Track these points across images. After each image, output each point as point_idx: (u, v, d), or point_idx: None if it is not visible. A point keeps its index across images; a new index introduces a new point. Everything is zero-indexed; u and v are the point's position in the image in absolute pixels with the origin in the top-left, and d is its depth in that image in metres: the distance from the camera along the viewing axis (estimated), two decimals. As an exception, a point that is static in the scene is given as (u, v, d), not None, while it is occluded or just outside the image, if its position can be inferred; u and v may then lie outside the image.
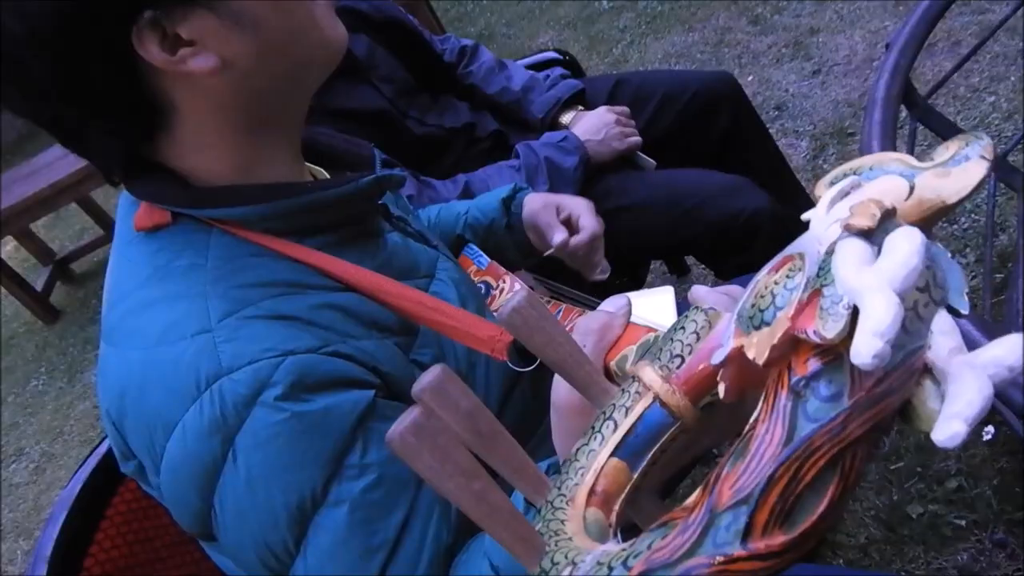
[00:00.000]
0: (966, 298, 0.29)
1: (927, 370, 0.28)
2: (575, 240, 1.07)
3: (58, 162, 3.48)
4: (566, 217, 1.09)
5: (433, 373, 0.34)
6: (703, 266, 1.86)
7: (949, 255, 0.29)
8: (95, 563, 0.86)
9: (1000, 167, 1.37)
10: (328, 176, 0.85)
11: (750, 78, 2.75)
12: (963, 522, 1.42)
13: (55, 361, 3.52)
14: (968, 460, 1.49)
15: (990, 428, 1.50)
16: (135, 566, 0.90)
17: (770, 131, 1.76)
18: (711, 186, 1.43)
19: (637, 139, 1.52)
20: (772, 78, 2.71)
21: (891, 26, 2.61)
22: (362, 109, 1.36)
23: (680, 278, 1.98)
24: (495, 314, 0.94)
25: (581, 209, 1.09)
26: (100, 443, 0.93)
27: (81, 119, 0.67)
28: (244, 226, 0.70)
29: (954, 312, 0.29)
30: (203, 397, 0.62)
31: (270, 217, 0.70)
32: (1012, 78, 2.18)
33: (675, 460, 0.46)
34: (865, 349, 0.25)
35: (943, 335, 0.27)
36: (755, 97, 2.57)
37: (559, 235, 1.06)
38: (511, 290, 1.02)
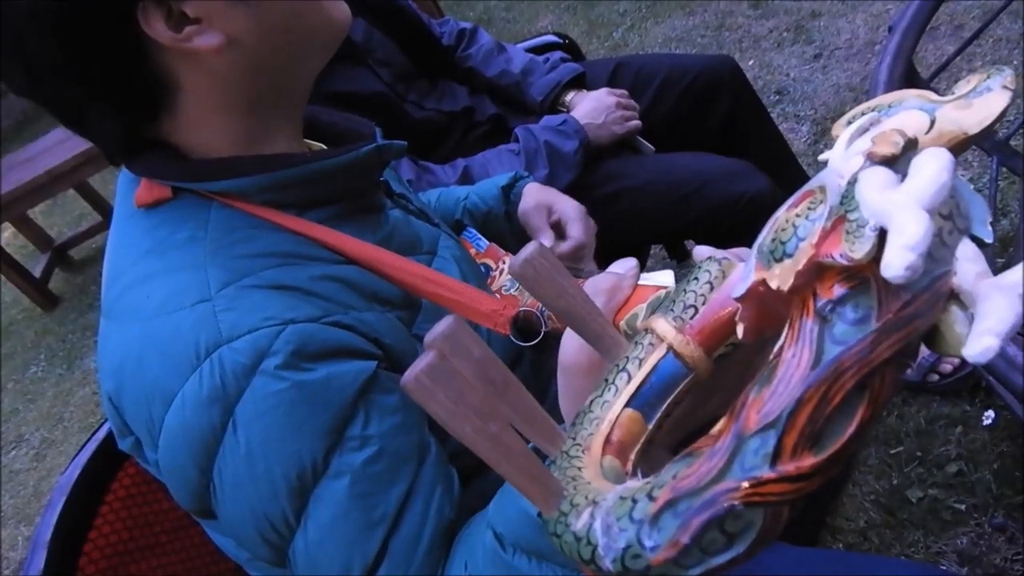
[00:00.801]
0: (989, 228, 0.28)
1: (953, 295, 0.27)
2: (560, 249, 1.06)
3: (56, 148, 3.48)
4: (556, 221, 1.09)
5: (445, 322, 0.33)
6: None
7: (971, 186, 0.28)
8: (94, 548, 0.86)
9: (1002, 151, 1.36)
10: None
11: (751, 62, 2.75)
12: (963, 506, 1.42)
13: (54, 348, 3.51)
14: (968, 445, 1.49)
15: (990, 413, 1.50)
16: (135, 551, 0.90)
17: (771, 116, 1.75)
18: (711, 170, 1.42)
19: (637, 123, 1.51)
20: (773, 62, 2.71)
21: (893, 9, 2.60)
22: (360, 93, 1.35)
23: (680, 263, 1.97)
24: (507, 268, 0.94)
25: (571, 215, 1.08)
26: (99, 428, 0.93)
27: (84, 98, 0.66)
28: (244, 198, 0.70)
29: (978, 242, 0.28)
30: (202, 366, 0.62)
31: (270, 188, 0.70)
32: (1015, 62, 2.18)
33: (686, 422, 0.45)
34: (898, 261, 0.24)
35: (968, 261, 0.27)
36: (756, 81, 2.57)
37: (544, 240, 1.06)
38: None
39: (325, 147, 0.85)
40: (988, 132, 0.30)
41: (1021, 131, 1.72)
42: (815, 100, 2.47)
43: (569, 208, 1.08)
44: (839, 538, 1.48)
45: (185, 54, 0.65)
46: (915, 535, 1.42)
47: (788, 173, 1.65)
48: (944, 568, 1.35)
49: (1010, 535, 1.36)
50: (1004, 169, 1.41)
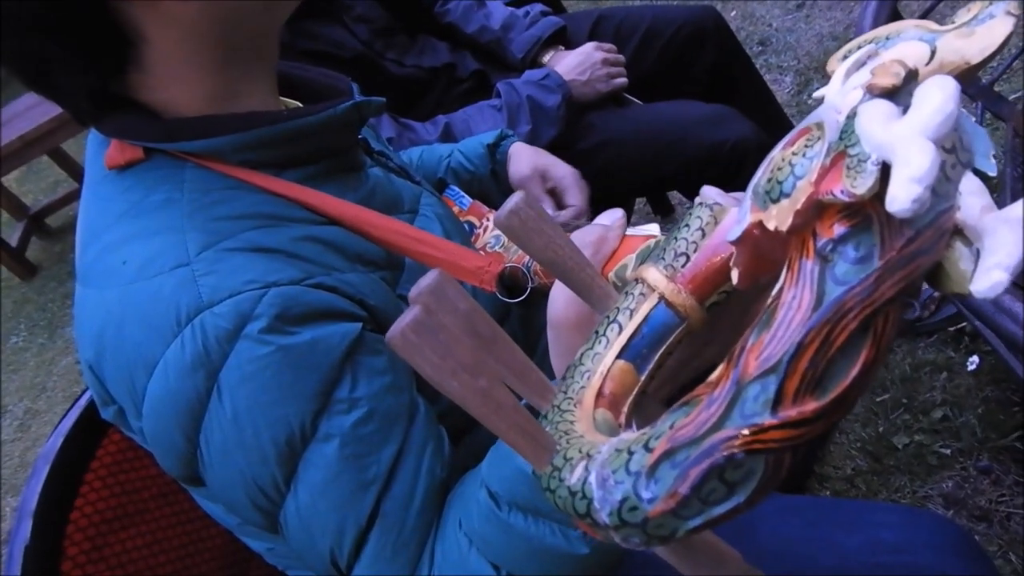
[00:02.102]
0: (993, 161, 0.27)
1: (958, 232, 0.26)
2: (559, 218, 1.05)
3: (28, 112, 3.41)
4: (551, 188, 1.07)
5: (431, 276, 0.32)
6: (688, 205, 1.84)
7: (973, 118, 0.27)
8: (81, 516, 0.85)
9: (987, 96, 1.36)
10: None
11: (733, 13, 2.72)
12: (948, 451, 1.44)
13: (35, 317, 3.49)
14: (953, 390, 1.50)
15: (974, 358, 1.52)
16: (123, 517, 0.89)
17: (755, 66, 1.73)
18: (694, 117, 1.41)
19: (623, 80, 1.49)
20: (755, 12, 2.68)
21: (876, -42, 2.57)
22: (335, 50, 1.33)
23: (664, 218, 1.97)
24: (492, 219, 0.93)
25: (568, 183, 1.07)
26: (81, 396, 0.92)
27: (48, 54, 0.64)
28: (219, 158, 0.68)
29: (981, 175, 0.27)
30: (184, 332, 0.60)
31: (245, 147, 0.68)
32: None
33: (679, 374, 0.45)
34: (904, 194, 0.23)
35: (972, 195, 0.26)
36: (739, 32, 2.54)
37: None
38: (495, 228, 1.01)
39: (301, 105, 0.83)
40: (989, 61, 0.29)
41: (1006, 75, 1.71)
42: (798, 50, 2.45)
43: (566, 175, 1.07)
44: (826, 486, 1.49)
45: (148, 4, 0.63)
46: (901, 480, 1.44)
47: (774, 123, 1.64)
48: (931, 510, 1.36)
49: (995, 477, 1.38)
50: (989, 115, 1.40)
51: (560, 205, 1.07)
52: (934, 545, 0.76)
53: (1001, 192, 1.25)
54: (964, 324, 1.55)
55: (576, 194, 1.06)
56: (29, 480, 0.84)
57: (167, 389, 0.62)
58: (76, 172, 3.86)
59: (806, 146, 0.28)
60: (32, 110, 3.39)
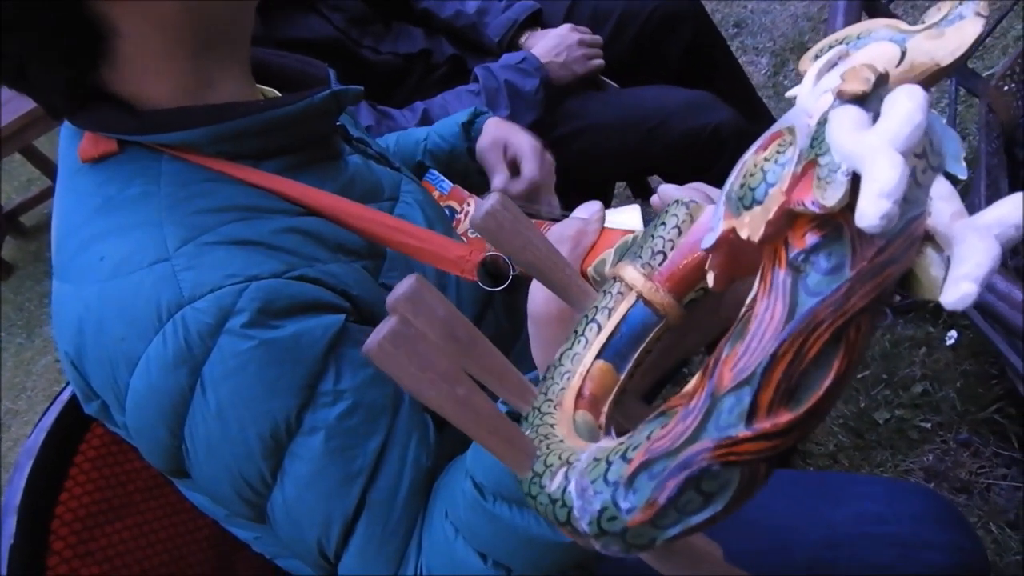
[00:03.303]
0: (963, 164, 0.28)
1: (928, 237, 0.27)
2: (512, 187, 1.04)
3: (-3, 110, 3.34)
4: (511, 157, 1.06)
5: (407, 283, 0.32)
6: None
7: (944, 120, 0.27)
8: (66, 510, 0.85)
9: (960, 72, 1.36)
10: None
11: (708, -6, 2.71)
12: (928, 425, 1.45)
13: (12, 317, 3.45)
14: (932, 365, 1.52)
15: (953, 333, 1.53)
16: (108, 511, 0.89)
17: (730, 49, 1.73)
18: (674, 103, 1.41)
19: (600, 62, 1.49)
20: (731, -6, 2.67)
21: (849, -63, 2.56)
22: (311, 39, 1.31)
23: (644, 201, 1.97)
24: (468, 221, 0.92)
25: (525, 151, 1.05)
26: (63, 390, 0.91)
27: (20, 49, 0.63)
28: (195, 150, 0.67)
29: (951, 178, 0.28)
30: (165, 328, 0.60)
31: (222, 139, 0.67)
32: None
33: (660, 363, 0.45)
34: (872, 210, 0.23)
35: (943, 200, 0.26)
36: (714, 15, 2.53)
37: (499, 178, 1.04)
38: (476, 213, 1.00)
39: (278, 93, 0.82)
40: (960, 63, 0.29)
41: (980, 52, 1.72)
42: (773, 32, 2.45)
43: (524, 144, 1.06)
44: (809, 462, 1.51)
45: None
46: (883, 455, 1.46)
47: (749, 106, 1.64)
48: (914, 482, 1.38)
49: (974, 449, 1.40)
50: (963, 91, 1.41)
51: (519, 175, 1.06)
52: (917, 515, 0.77)
53: (976, 168, 1.26)
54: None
55: (531, 165, 1.04)
56: (12, 476, 0.84)
57: (150, 385, 0.61)
58: (49, 170, 3.77)
59: (778, 151, 0.28)
60: (2, 108, 3.33)
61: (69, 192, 0.70)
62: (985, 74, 1.45)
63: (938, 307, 1.28)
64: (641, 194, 1.97)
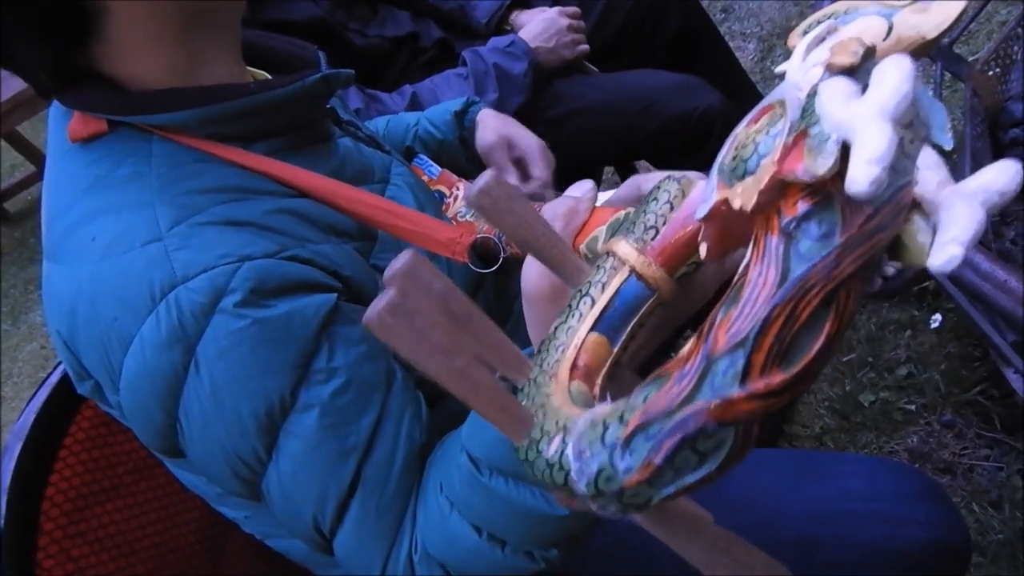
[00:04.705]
0: (950, 134, 0.28)
1: (916, 205, 0.27)
2: (524, 189, 1.05)
3: (-21, 96, 3.31)
4: (517, 157, 1.07)
5: (404, 257, 0.33)
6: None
7: (930, 92, 0.28)
8: (57, 492, 0.85)
9: (946, 56, 1.37)
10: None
11: (696, -22, 2.70)
12: (913, 407, 1.47)
13: (-3, 303, 3.43)
14: (917, 348, 1.53)
15: (937, 316, 1.55)
16: (98, 492, 0.89)
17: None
18: (662, 86, 1.41)
19: (586, 47, 1.49)
20: (718, -22, 2.67)
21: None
22: (297, 21, 1.31)
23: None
24: (460, 202, 0.93)
25: (534, 154, 1.07)
26: (52, 372, 0.91)
27: (6, 26, 0.63)
28: (185, 132, 0.67)
29: (938, 149, 0.28)
30: (159, 308, 0.60)
31: (211, 121, 0.68)
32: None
33: (653, 337, 0.46)
34: (862, 176, 0.24)
35: (930, 169, 0.27)
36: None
37: (510, 180, 1.05)
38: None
39: (268, 75, 0.82)
40: (945, 35, 0.29)
41: (965, 37, 1.73)
42: (761, 17, 2.45)
43: (532, 145, 1.07)
44: (796, 444, 1.53)
45: None
46: (868, 437, 1.47)
47: (739, 89, 1.64)
48: (899, 460, 1.40)
49: (958, 431, 1.42)
50: (948, 75, 1.42)
51: (526, 176, 1.07)
52: (901, 493, 0.79)
53: (961, 152, 1.27)
54: (927, 283, 1.58)
55: (541, 166, 1.06)
56: (2, 458, 0.84)
57: (144, 364, 0.62)
58: (34, 155, 3.75)
59: (769, 124, 0.29)
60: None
61: (59, 173, 0.70)
62: (970, 59, 1.46)
63: (923, 291, 1.29)
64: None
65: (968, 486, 1.35)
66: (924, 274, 1.53)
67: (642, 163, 1.87)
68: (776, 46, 2.32)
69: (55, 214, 0.68)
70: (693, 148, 1.38)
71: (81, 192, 0.66)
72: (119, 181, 0.65)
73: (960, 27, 1.57)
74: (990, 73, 1.38)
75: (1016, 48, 1.41)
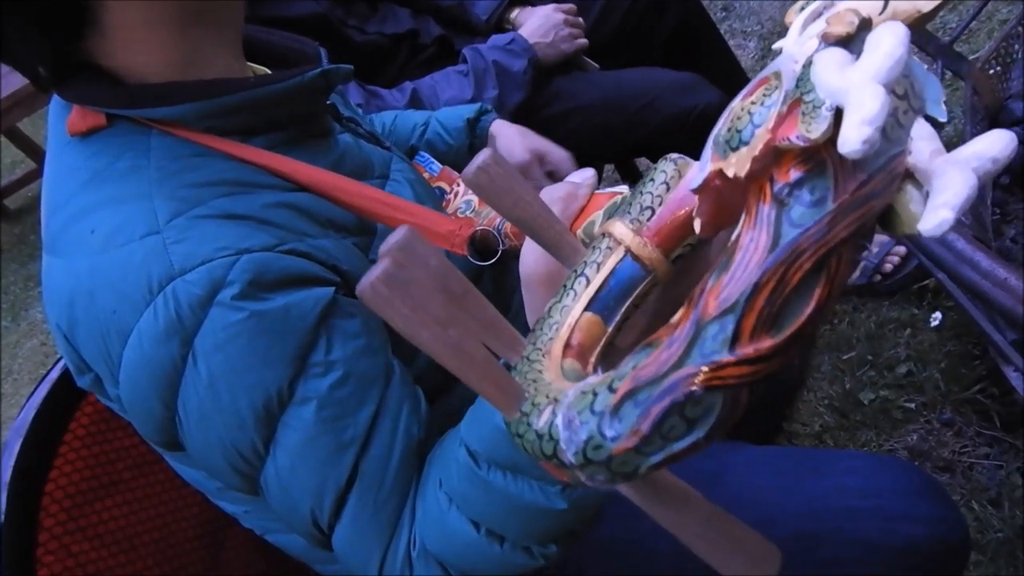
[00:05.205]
0: (943, 107, 0.28)
1: (909, 175, 0.27)
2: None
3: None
4: (550, 171, 1.09)
5: (400, 232, 0.32)
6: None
7: (925, 66, 0.28)
8: (56, 488, 0.85)
9: (947, 55, 1.37)
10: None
11: (696, -23, 2.71)
12: (912, 405, 1.47)
13: (-3, 300, 3.44)
14: (916, 346, 1.53)
15: (937, 314, 1.55)
16: (98, 488, 0.89)
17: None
18: (661, 84, 1.42)
19: (584, 41, 1.49)
20: (719, -24, 2.67)
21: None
22: (296, 18, 1.31)
23: (632, 185, 1.97)
24: (461, 188, 0.93)
25: (566, 165, 1.09)
26: (52, 368, 0.91)
27: (7, 19, 0.63)
28: (184, 126, 0.67)
29: (932, 122, 0.28)
30: (156, 300, 0.60)
31: (211, 115, 0.68)
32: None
33: (650, 324, 0.46)
34: (854, 136, 0.24)
35: (923, 140, 0.27)
36: (701, -2, 2.54)
37: None
38: (465, 194, 1.01)
39: (268, 70, 0.82)
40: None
41: (965, 35, 1.73)
42: (761, 15, 2.45)
43: (563, 157, 1.09)
44: (795, 442, 1.52)
45: None
46: (868, 435, 1.47)
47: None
48: (897, 457, 1.40)
49: (957, 429, 1.41)
50: (949, 74, 1.42)
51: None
52: (899, 489, 0.78)
53: (961, 150, 1.26)
54: (927, 281, 1.58)
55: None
56: (2, 454, 0.84)
57: (142, 356, 0.62)
58: (34, 151, 3.75)
59: (764, 95, 0.29)
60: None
61: (59, 166, 0.70)
62: (971, 57, 1.46)
63: (923, 289, 1.29)
64: (628, 177, 1.97)
65: (968, 484, 1.34)
66: (924, 272, 1.53)
67: (642, 160, 1.87)
68: (777, 45, 2.32)
69: (54, 207, 0.69)
70: (693, 146, 1.37)
71: (80, 185, 0.66)
72: (118, 174, 0.65)
73: (962, 25, 1.57)
74: (990, 71, 1.38)
75: (1017, 46, 1.41)
